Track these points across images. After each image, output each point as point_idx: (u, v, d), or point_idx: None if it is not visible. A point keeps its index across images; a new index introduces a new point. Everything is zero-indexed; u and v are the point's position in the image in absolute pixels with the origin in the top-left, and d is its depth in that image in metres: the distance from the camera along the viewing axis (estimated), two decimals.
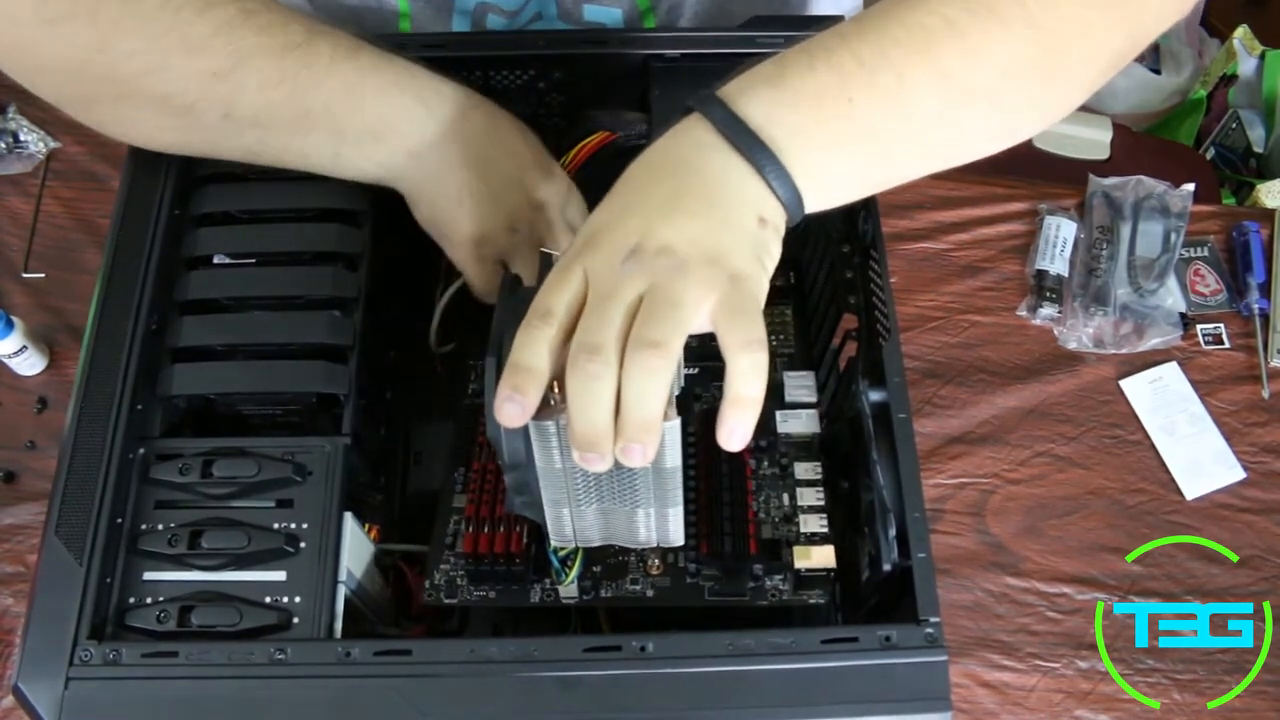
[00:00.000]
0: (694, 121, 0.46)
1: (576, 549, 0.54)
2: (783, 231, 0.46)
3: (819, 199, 0.46)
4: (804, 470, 0.59)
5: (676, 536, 0.52)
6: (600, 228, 0.44)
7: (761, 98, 0.46)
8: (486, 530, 0.54)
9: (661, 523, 0.51)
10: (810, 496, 0.58)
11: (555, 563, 0.54)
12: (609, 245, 0.43)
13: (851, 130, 0.46)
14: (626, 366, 0.41)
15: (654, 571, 0.56)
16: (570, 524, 0.50)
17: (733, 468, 0.57)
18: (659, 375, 0.41)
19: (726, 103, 0.46)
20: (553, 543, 0.52)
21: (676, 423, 0.43)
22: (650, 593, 0.55)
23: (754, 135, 0.45)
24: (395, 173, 0.55)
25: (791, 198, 0.45)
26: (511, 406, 0.41)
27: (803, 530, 0.57)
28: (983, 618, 0.71)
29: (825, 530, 0.57)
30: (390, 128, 0.54)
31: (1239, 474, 0.77)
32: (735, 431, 0.42)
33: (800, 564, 0.55)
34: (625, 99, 0.63)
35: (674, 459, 0.46)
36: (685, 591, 0.55)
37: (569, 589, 0.55)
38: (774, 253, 0.46)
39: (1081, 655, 0.70)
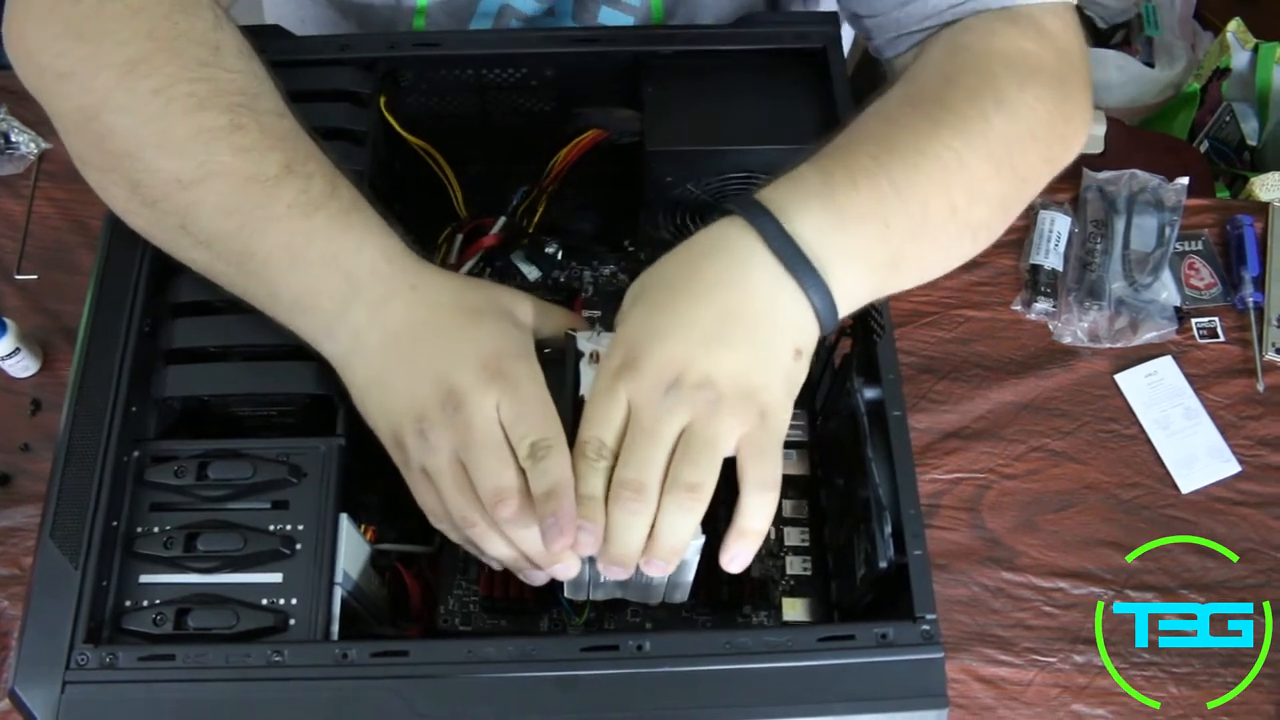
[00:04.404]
0: (742, 232, 0.47)
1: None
2: (810, 356, 0.48)
3: (845, 312, 0.48)
4: (790, 509, 0.61)
5: (683, 597, 0.55)
6: (642, 349, 0.46)
7: (813, 214, 0.47)
8: (501, 571, 0.54)
9: (672, 590, 0.53)
10: (795, 536, 0.61)
11: (566, 605, 0.56)
12: (651, 373, 0.45)
13: (883, 254, 0.48)
14: (665, 504, 0.44)
15: (653, 601, 0.57)
16: (587, 588, 0.52)
17: (729, 511, 0.57)
18: (694, 513, 0.44)
19: (778, 218, 0.46)
20: (567, 594, 0.53)
21: (700, 541, 0.47)
22: (649, 625, 0.58)
23: (806, 259, 0.46)
24: (321, 350, 0.50)
25: (830, 318, 0.47)
26: (586, 536, 0.45)
27: (788, 571, 0.60)
28: (979, 613, 0.71)
29: (808, 573, 0.60)
30: (315, 304, 0.48)
31: (1234, 467, 0.77)
32: (737, 558, 0.46)
33: (788, 615, 0.59)
34: (617, 96, 0.63)
35: (693, 555, 0.48)
36: (681, 625, 0.58)
37: (577, 626, 0.58)
38: (800, 381, 0.48)
39: (1078, 649, 0.70)
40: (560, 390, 0.48)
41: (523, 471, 0.45)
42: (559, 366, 0.50)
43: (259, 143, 0.49)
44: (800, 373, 0.48)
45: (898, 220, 0.48)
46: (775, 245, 0.46)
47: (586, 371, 0.50)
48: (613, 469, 0.45)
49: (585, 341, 0.50)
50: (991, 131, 0.51)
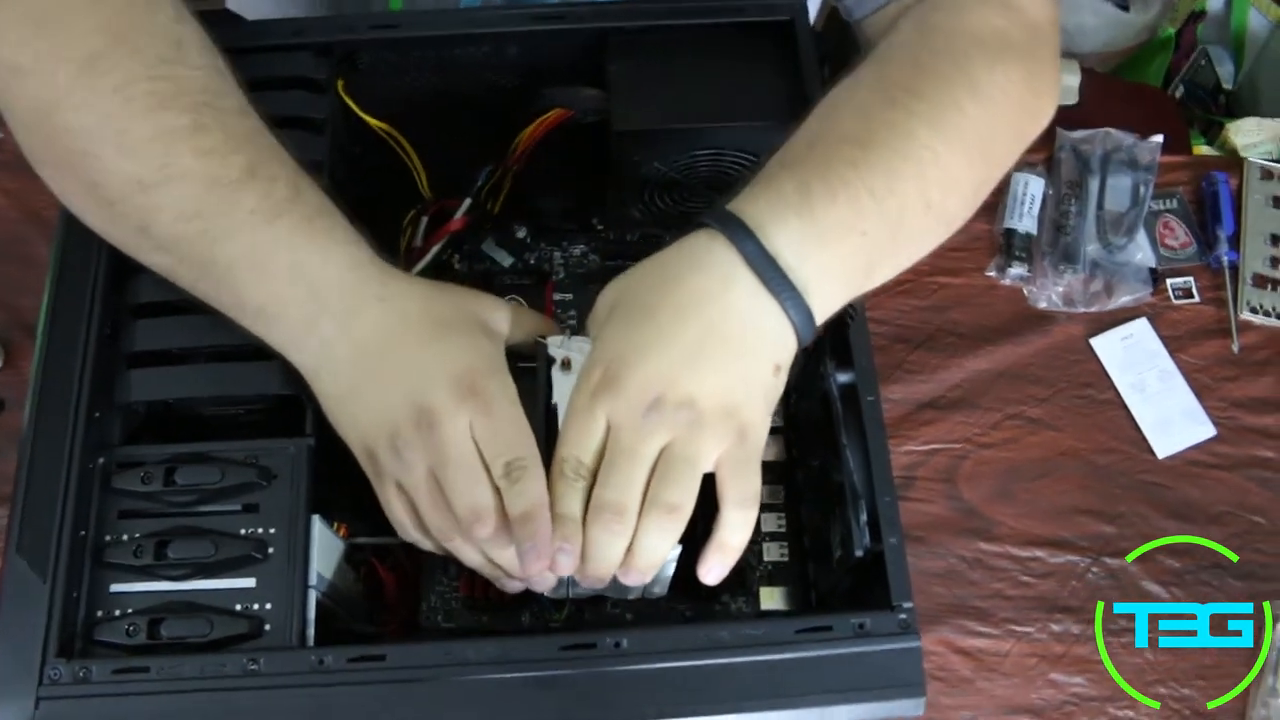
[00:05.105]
0: (721, 249, 0.46)
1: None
2: (788, 369, 0.48)
3: (821, 321, 0.48)
4: (766, 494, 0.61)
5: (663, 592, 0.55)
6: (622, 366, 0.45)
7: (792, 230, 0.46)
8: None
9: (650, 586, 0.53)
10: (772, 523, 0.61)
11: (546, 602, 0.57)
12: (632, 393, 0.44)
13: (860, 263, 0.48)
14: (644, 524, 0.44)
15: (631, 597, 0.57)
16: (566, 588, 0.52)
17: (705, 498, 0.54)
18: (673, 532, 0.44)
19: (757, 235, 0.46)
20: (546, 594, 0.53)
21: (676, 550, 0.47)
22: (629, 616, 0.59)
23: (786, 278, 0.45)
24: (290, 359, 0.49)
25: (808, 331, 0.47)
26: (565, 557, 0.45)
27: (765, 558, 0.60)
28: (956, 584, 0.71)
29: (785, 559, 0.60)
30: (282, 313, 0.48)
31: (1209, 430, 0.77)
32: (713, 571, 0.46)
33: (765, 604, 0.59)
34: (584, 74, 0.62)
35: (669, 560, 0.49)
36: (661, 616, 0.59)
37: (557, 621, 0.58)
38: (778, 395, 0.48)
39: (1055, 619, 0.70)
40: (532, 399, 0.48)
41: (498, 490, 0.45)
42: (530, 374, 0.49)
43: (221, 145, 0.47)
44: (778, 387, 0.47)
45: (875, 228, 0.47)
46: (756, 265, 0.45)
47: (558, 378, 0.49)
48: (590, 486, 0.45)
49: (556, 348, 0.50)
50: (966, 123, 0.50)
